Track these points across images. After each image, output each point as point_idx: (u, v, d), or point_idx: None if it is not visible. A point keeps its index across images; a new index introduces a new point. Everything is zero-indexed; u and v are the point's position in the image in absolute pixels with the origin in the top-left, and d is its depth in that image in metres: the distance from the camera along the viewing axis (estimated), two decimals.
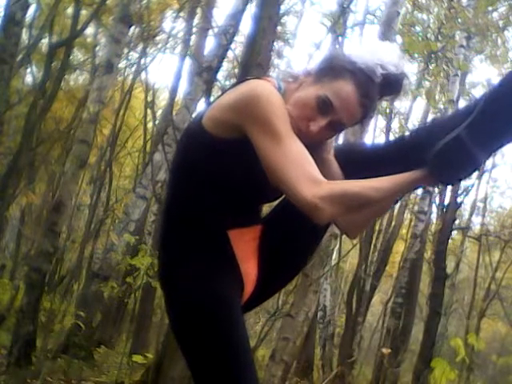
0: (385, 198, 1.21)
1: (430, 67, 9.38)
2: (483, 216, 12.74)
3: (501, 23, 9.34)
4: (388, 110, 9.76)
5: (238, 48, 8.26)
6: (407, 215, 11.06)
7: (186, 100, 6.63)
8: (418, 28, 9.02)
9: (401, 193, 1.29)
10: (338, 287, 11.69)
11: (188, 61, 7.70)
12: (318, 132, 1.24)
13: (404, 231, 10.85)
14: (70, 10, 8.89)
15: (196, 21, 8.09)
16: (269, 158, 1.17)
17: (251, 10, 5.03)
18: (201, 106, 7.09)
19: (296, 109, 1.24)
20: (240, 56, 6.83)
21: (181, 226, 1.28)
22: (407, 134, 1.44)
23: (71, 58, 9.31)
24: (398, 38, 8.61)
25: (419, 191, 8.26)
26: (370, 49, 1.32)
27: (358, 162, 1.38)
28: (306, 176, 1.15)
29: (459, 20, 7.96)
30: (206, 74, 6.24)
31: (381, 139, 10.93)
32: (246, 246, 1.29)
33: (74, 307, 5.96)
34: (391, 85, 1.33)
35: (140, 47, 9.35)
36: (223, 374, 1.18)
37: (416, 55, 9.75)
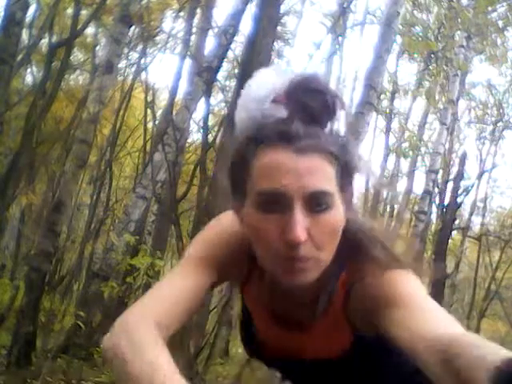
0: None
1: (430, 67, 9.39)
2: (483, 216, 12.76)
3: (501, 23, 9.34)
4: (388, 110, 9.77)
5: (237, 48, 8.27)
6: (407, 215, 11.07)
7: (186, 100, 6.63)
8: (417, 28, 9.02)
9: None
10: None
11: (188, 61, 7.69)
12: (299, 235, 0.80)
13: (404, 231, 10.85)
14: (70, 10, 8.89)
15: (196, 21, 8.09)
16: None
17: (251, 10, 5.04)
18: (201, 106, 7.10)
19: (253, 237, 0.87)
20: (240, 56, 6.84)
21: None
22: None
23: (71, 58, 9.31)
24: (398, 38, 8.62)
25: (419, 191, 8.26)
26: (248, 96, 0.88)
27: None
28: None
29: (459, 20, 7.97)
30: (205, 74, 6.24)
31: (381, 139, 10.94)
32: None
33: (73, 307, 5.96)
34: (302, 93, 0.85)
35: (140, 47, 9.36)
36: None
37: (416, 55, 9.76)
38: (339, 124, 0.87)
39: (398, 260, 0.90)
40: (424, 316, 0.78)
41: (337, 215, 0.84)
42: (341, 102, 0.86)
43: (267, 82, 0.86)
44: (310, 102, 0.83)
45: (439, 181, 9.59)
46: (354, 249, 0.90)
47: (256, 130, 0.83)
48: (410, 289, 0.85)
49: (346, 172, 0.85)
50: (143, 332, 0.83)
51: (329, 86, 0.86)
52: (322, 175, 0.81)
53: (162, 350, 0.80)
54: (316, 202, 0.81)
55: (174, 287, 0.95)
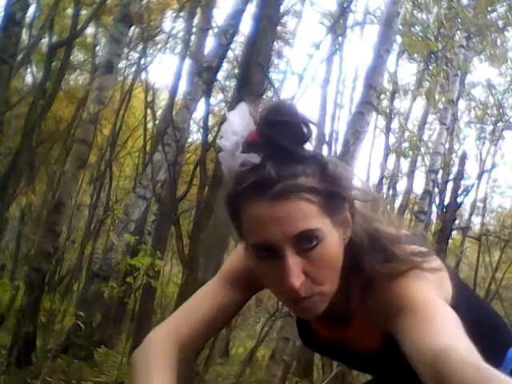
0: None
1: (430, 67, 9.39)
2: (483, 216, 12.76)
3: (500, 23, 9.34)
4: (388, 110, 9.77)
5: (237, 48, 8.27)
6: (407, 215, 11.07)
7: (186, 100, 6.63)
8: (417, 28, 9.02)
9: None
10: None
11: (188, 61, 7.69)
12: (294, 282, 0.82)
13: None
14: (69, 10, 8.88)
15: (196, 21, 8.09)
16: None
17: (251, 10, 5.04)
18: (201, 106, 7.10)
19: (260, 278, 0.91)
20: (240, 56, 6.84)
21: None
22: None
23: (71, 58, 9.31)
24: (398, 38, 8.62)
25: (419, 191, 8.26)
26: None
27: None
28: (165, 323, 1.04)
29: (459, 20, 7.97)
30: (205, 74, 6.25)
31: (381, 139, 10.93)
32: None
33: (73, 307, 5.95)
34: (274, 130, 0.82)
35: (140, 47, 9.35)
36: None
37: (416, 55, 9.76)
38: (314, 149, 0.86)
39: (415, 260, 0.89)
40: (427, 326, 0.77)
41: (330, 245, 0.84)
42: (312, 124, 0.85)
43: (239, 125, 0.84)
44: (280, 140, 0.81)
45: (439, 181, 9.59)
46: (369, 250, 0.90)
47: (235, 183, 0.84)
48: (421, 296, 0.83)
49: (331, 197, 0.84)
50: (161, 354, 0.95)
51: (297, 112, 0.84)
52: (302, 215, 0.81)
53: (167, 378, 0.91)
54: (304, 242, 0.82)
55: (204, 305, 1.02)
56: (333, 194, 0.84)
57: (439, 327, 0.76)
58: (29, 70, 9.69)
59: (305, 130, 0.84)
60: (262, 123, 0.83)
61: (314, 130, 0.86)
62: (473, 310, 1.01)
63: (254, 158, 0.82)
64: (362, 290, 0.92)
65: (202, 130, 6.91)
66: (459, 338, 0.74)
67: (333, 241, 0.85)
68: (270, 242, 0.81)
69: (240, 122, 0.84)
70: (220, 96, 10.90)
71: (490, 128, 12.22)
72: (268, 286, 0.91)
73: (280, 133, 0.81)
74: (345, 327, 0.99)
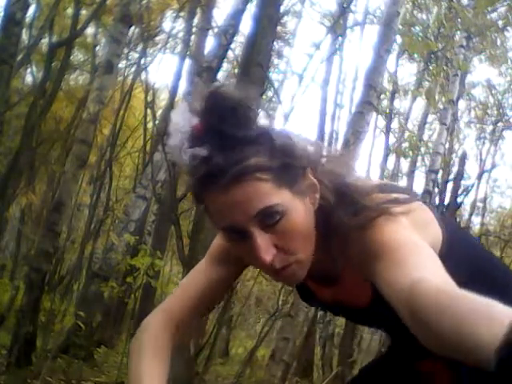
0: None
1: (430, 67, 9.39)
2: (483, 216, 12.76)
3: (500, 23, 9.34)
4: (388, 110, 9.77)
5: (237, 48, 8.27)
6: None
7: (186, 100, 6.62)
8: (417, 28, 9.02)
9: None
10: None
11: (188, 61, 7.69)
12: (265, 258, 0.85)
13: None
14: (70, 10, 8.89)
15: (196, 21, 8.08)
16: None
17: (251, 10, 5.04)
18: None
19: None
20: (240, 56, 6.84)
21: None
22: None
23: (71, 57, 9.31)
24: (398, 38, 8.62)
25: (419, 191, 8.26)
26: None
27: None
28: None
29: (459, 20, 7.97)
30: (205, 74, 6.24)
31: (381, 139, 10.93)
32: None
33: (73, 307, 5.96)
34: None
35: (140, 47, 9.35)
36: None
37: (416, 55, 9.75)
38: (262, 126, 0.87)
39: (384, 206, 0.89)
40: (401, 266, 0.77)
41: (294, 216, 0.86)
42: (253, 101, 0.86)
43: (181, 121, 0.86)
44: (222, 127, 0.82)
45: (439, 181, 9.59)
46: (338, 206, 0.91)
47: (191, 177, 0.86)
48: (392, 238, 0.83)
49: (285, 169, 0.85)
50: (153, 339, 1.04)
51: (233, 95, 0.85)
52: (258, 194, 0.83)
53: (158, 364, 1.00)
54: (267, 218, 0.84)
55: (195, 283, 1.10)
56: (286, 166, 0.85)
57: (412, 264, 0.76)
58: (29, 70, 9.70)
59: (246, 110, 0.84)
60: (201, 115, 0.85)
61: (259, 105, 0.88)
62: (473, 255, 1.03)
63: (201, 151, 0.83)
64: (343, 246, 0.93)
65: None
66: (433, 270, 0.74)
67: (297, 211, 0.86)
68: (234, 225, 0.85)
69: (182, 118, 0.86)
70: None
71: (490, 128, 12.22)
72: (248, 263, 0.99)
73: (221, 120, 0.83)
74: (336, 285, 1.01)
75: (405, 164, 11.33)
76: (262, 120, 0.87)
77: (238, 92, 0.86)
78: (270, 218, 0.84)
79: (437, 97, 9.06)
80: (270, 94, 9.19)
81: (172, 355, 1.05)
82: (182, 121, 0.86)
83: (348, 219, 0.89)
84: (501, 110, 11.36)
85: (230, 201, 0.83)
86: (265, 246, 0.84)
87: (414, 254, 0.79)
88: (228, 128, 0.83)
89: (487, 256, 1.17)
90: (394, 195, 0.92)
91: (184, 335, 1.14)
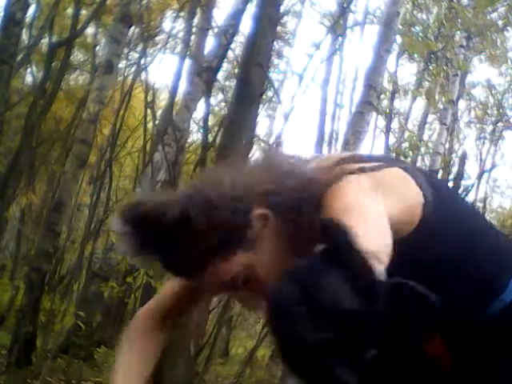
0: None
1: (430, 67, 9.38)
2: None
3: (500, 23, 9.34)
4: (388, 110, 9.76)
5: (237, 48, 8.27)
6: None
7: (186, 100, 6.63)
8: (417, 28, 9.02)
9: None
10: None
11: (188, 61, 7.69)
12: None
13: None
14: (70, 10, 8.88)
15: (196, 21, 8.08)
16: None
17: (251, 10, 5.04)
18: (201, 106, 7.10)
19: None
20: (240, 56, 6.84)
21: None
22: None
23: (71, 57, 9.31)
24: (398, 38, 8.63)
25: None
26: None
27: None
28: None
29: (459, 20, 7.97)
30: (205, 74, 6.24)
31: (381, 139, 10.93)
32: None
33: (73, 307, 5.95)
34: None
35: (140, 47, 9.34)
36: None
37: (416, 55, 9.75)
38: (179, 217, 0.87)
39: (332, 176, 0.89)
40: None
41: (257, 265, 0.89)
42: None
43: (122, 235, 0.95)
44: (147, 235, 0.92)
45: None
46: (293, 213, 0.90)
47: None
48: (337, 208, 0.82)
49: (220, 244, 0.87)
50: (140, 331, 1.17)
51: (149, 217, 0.89)
52: (218, 275, 0.88)
53: (143, 354, 1.14)
54: (234, 287, 0.91)
55: (172, 286, 1.19)
56: (224, 236, 0.87)
57: (364, 228, 0.73)
58: (29, 70, 9.70)
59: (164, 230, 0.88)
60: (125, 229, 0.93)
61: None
62: (461, 219, 1.03)
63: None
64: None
65: (201, 130, 6.91)
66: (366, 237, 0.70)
67: (257, 258, 0.89)
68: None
69: (122, 236, 0.95)
70: (220, 96, 10.90)
71: (490, 128, 12.21)
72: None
73: (141, 230, 0.91)
74: None
75: None
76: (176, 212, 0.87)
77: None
78: (235, 286, 0.89)
79: (437, 97, 9.06)
80: (270, 93, 9.20)
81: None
82: (121, 235, 0.94)
83: (306, 211, 0.89)
84: (501, 110, 11.36)
85: (197, 287, 1.02)
86: (248, 297, 0.94)
87: (362, 218, 0.77)
88: (151, 233, 0.91)
89: (477, 220, 1.14)
90: (359, 165, 0.92)
91: (168, 328, 1.22)
